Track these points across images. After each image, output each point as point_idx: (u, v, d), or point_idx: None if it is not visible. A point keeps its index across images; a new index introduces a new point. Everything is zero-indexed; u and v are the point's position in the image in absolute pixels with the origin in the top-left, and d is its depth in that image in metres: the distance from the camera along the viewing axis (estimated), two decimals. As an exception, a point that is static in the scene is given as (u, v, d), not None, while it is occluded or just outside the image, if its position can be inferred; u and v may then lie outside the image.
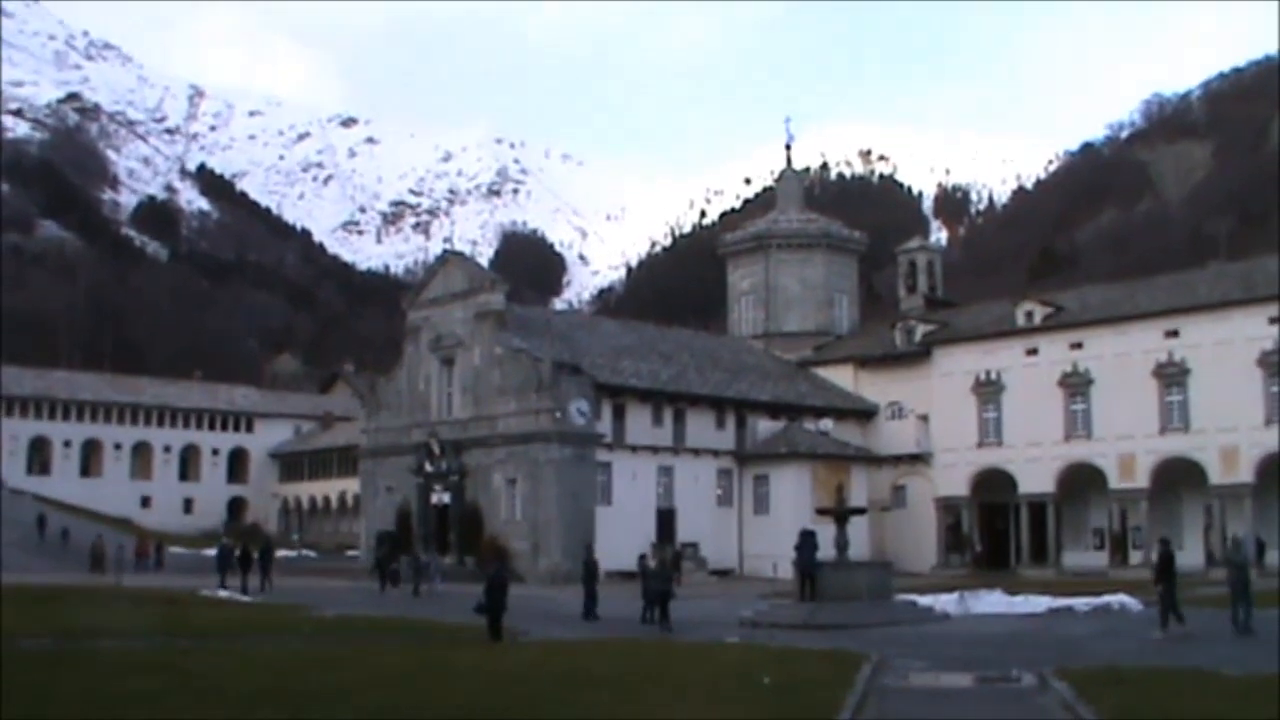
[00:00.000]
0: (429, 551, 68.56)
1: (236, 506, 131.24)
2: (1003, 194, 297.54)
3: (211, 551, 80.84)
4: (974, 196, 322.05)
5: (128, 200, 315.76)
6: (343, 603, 47.35)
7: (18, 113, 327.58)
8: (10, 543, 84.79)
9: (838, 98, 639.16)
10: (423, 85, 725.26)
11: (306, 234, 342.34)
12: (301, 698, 19.09)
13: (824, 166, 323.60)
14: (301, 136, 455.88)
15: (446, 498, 76.41)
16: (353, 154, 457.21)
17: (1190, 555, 71.07)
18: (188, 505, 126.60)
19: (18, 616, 34.55)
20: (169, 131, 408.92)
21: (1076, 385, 77.15)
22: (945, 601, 42.90)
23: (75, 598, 45.39)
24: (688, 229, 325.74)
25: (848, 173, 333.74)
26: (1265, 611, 34.15)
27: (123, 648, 27.36)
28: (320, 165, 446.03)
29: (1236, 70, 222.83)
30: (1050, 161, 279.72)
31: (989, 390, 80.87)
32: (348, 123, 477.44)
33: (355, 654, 26.85)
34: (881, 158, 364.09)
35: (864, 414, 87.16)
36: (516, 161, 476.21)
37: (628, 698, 19.57)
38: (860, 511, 49.80)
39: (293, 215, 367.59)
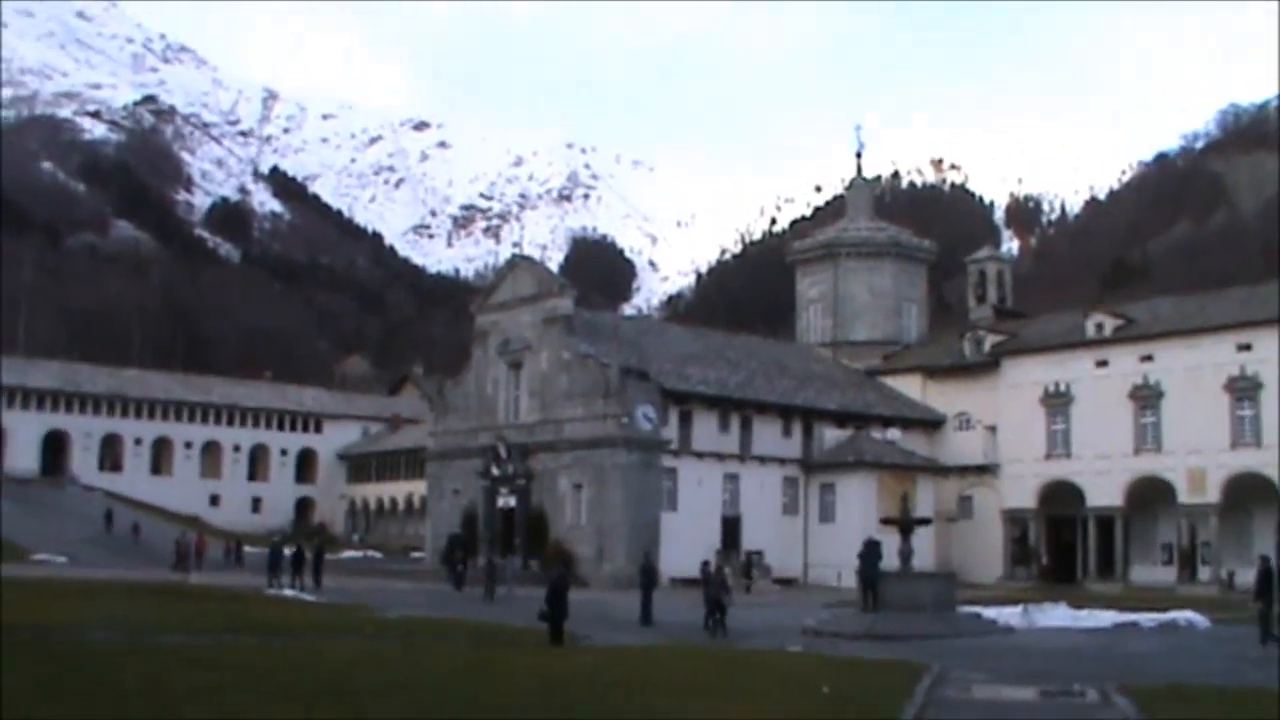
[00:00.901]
0: (506, 555, 68.65)
1: (304, 506, 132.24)
2: (1075, 204, 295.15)
3: (290, 551, 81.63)
4: (1046, 206, 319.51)
5: (201, 202, 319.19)
6: (406, 604, 47.53)
7: (95, 114, 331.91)
8: (80, 539, 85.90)
9: (910, 104, 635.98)
10: (494, 89, 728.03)
11: (377, 237, 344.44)
12: (360, 696, 19.20)
13: (895, 175, 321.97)
14: (373, 140, 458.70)
15: (512, 501, 76.60)
16: (424, 157, 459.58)
17: (1260, 572, 70.32)
18: (256, 504, 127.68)
19: (82, 610, 34.97)
20: (243, 134, 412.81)
21: (1146, 398, 76.52)
22: (1009, 614, 42.63)
23: (144, 594, 45.78)
24: (757, 236, 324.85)
25: (919, 181, 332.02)
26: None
27: (188, 643, 27.58)
28: (392, 168, 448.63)
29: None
30: (1123, 172, 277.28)
31: (1057, 402, 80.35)
32: (419, 126, 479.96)
33: (415, 654, 26.95)
34: (953, 166, 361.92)
35: (931, 424, 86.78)
36: (587, 167, 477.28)
37: (684, 703, 19.57)
38: (925, 522, 49.58)
39: (364, 218, 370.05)
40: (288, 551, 61.75)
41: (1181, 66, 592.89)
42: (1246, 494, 72.57)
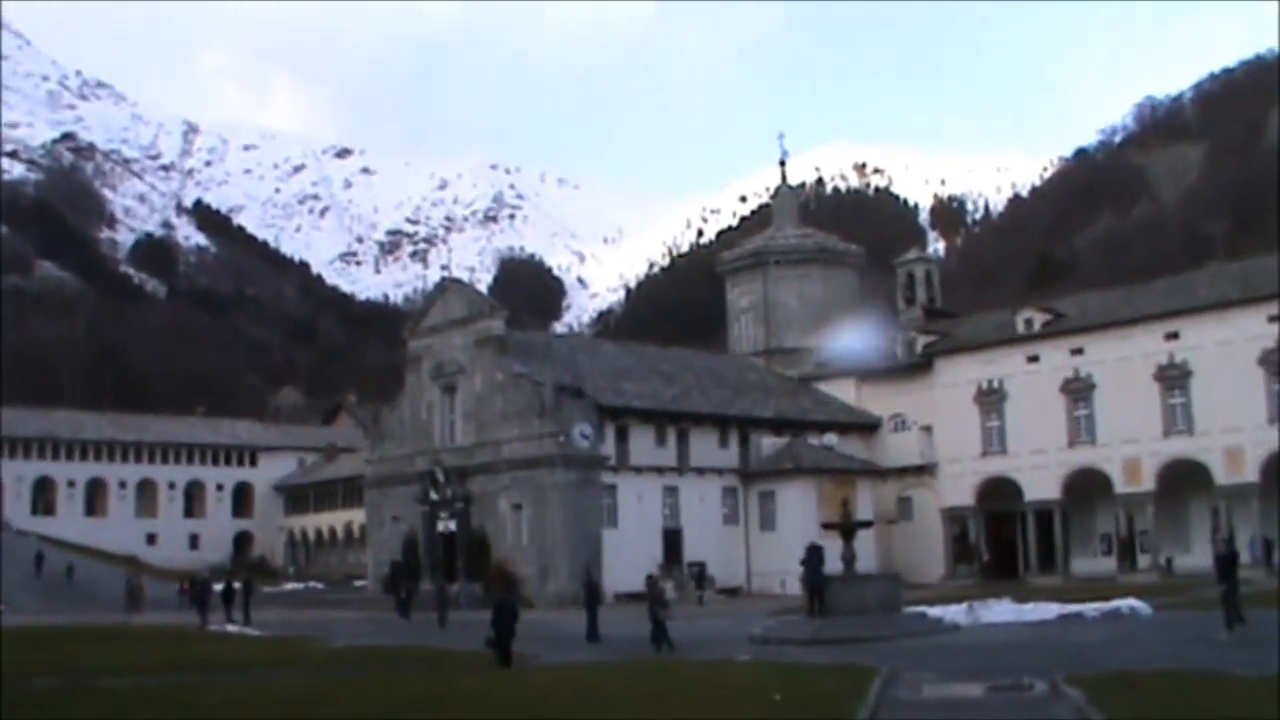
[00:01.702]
0: (452, 580, 68.22)
1: (242, 541, 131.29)
2: (999, 203, 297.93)
3: (219, 586, 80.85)
4: (970, 206, 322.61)
5: (125, 238, 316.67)
6: (351, 633, 47.24)
7: (13, 154, 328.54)
8: (10, 582, 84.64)
9: (831, 117, 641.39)
10: (416, 114, 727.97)
11: (305, 266, 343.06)
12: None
13: (819, 182, 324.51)
14: (297, 169, 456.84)
15: (453, 525, 76.25)
16: (348, 185, 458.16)
17: (1198, 558, 70.94)
18: (194, 541, 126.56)
19: (21, 657, 34.49)
20: (164, 168, 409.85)
21: (1079, 391, 77.10)
22: (955, 612, 42.76)
23: (79, 637, 45.25)
24: (685, 249, 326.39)
25: (843, 187, 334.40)
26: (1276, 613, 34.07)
27: (131, 685, 27.26)
28: (316, 197, 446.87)
29: (1227, 71, 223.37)
30: (1045, 169, 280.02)
31: (991, 399, 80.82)
32: (342, 154, 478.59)
33: (364, 684, 26.74)
34: (876, 171, 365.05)
35: (867, 427, 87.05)
36: (512, 187, 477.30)
37: (638, 716, 19.49)
38: (866, 525, 49.70)
39: (290, 248, 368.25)
40: (217, 587, 61.41)
41: (1098, 63, 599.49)
42: (1181, 481, 73.19)
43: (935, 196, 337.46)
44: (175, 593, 77.94)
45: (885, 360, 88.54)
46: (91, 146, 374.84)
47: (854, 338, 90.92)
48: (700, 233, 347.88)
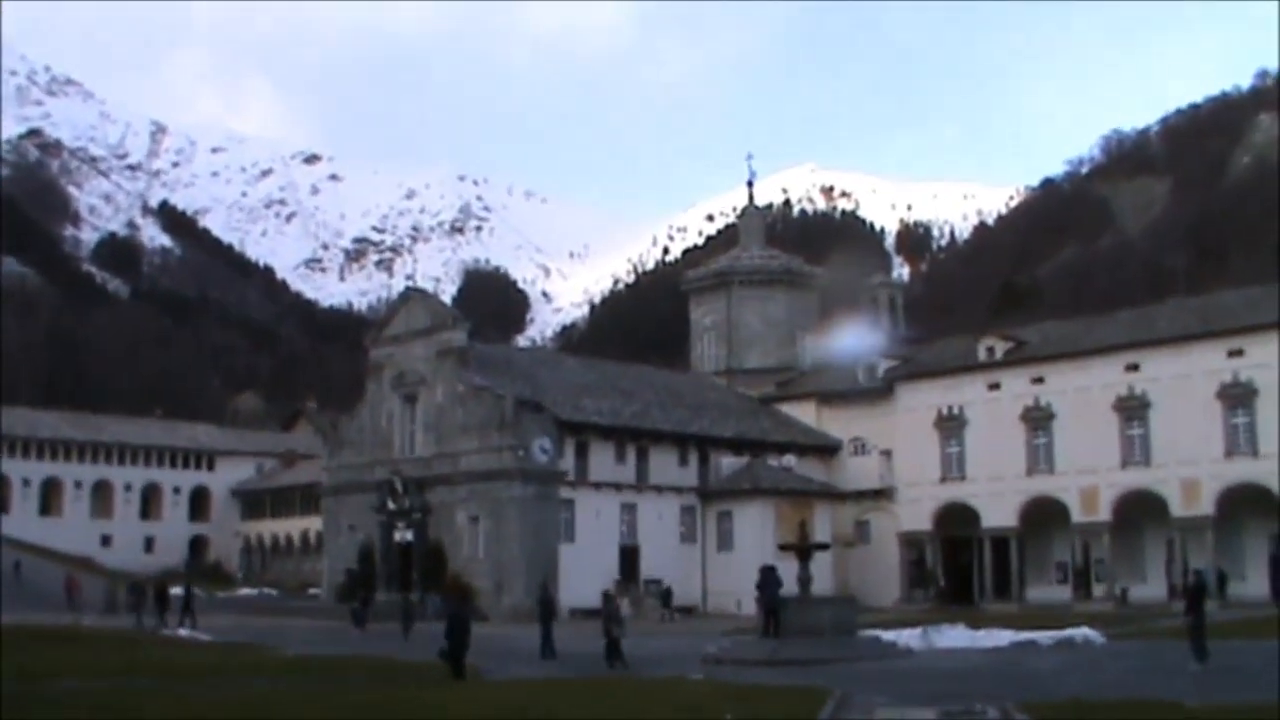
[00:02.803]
0: (413, 590, 67.91)
1: (198, 545, 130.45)
2: (964, 230, 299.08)
3: (176, 590, 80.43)
4: (936, 233, 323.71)
5: (89, 237, 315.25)
6: (304, 641, 47.00)
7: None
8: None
9: (800, 140, 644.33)
10: (386, 123, 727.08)
11: (269, 271, 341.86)
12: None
13: (786, 203, 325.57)
14: (264, 173, 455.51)
15: (409, 535, 76.07)
16: (315, 191, 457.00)
17: (1153, 588, 71.58)
18: (149, 544, 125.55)
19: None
20: (131, 168, 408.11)
21: (1038, 419, 77.37)
22: (909, 636, 42.78)
23: (30, 638, 44.89)
24: (650, 266, 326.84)
25: (809, 210, 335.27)
26: (1230, 643, 34.19)
27: (82, 689, 27.05)
28: (283, 202, 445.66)
29: (1194, 106, 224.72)
30: (1011, 198, 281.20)
31: (951, 425, 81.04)
32: (311, 159, 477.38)
33: (317, 695, 26.59)
34: (844, 194, 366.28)
35: (827, 450, 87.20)
36: (479, 199, 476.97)
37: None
38: (823, 547, 49.77)
39: (255, 252, 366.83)
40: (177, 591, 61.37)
41: (1066, 96, 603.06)
42: (1137, 511, 73.54)
43: (901, 222, 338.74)
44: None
45: (846, 383, 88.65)
46: (58, 143, 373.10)
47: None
48: (666, 250, 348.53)
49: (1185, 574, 65.67)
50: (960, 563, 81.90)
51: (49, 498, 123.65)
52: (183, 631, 53.67)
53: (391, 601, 64.35)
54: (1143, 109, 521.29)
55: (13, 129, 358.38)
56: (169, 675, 30.97)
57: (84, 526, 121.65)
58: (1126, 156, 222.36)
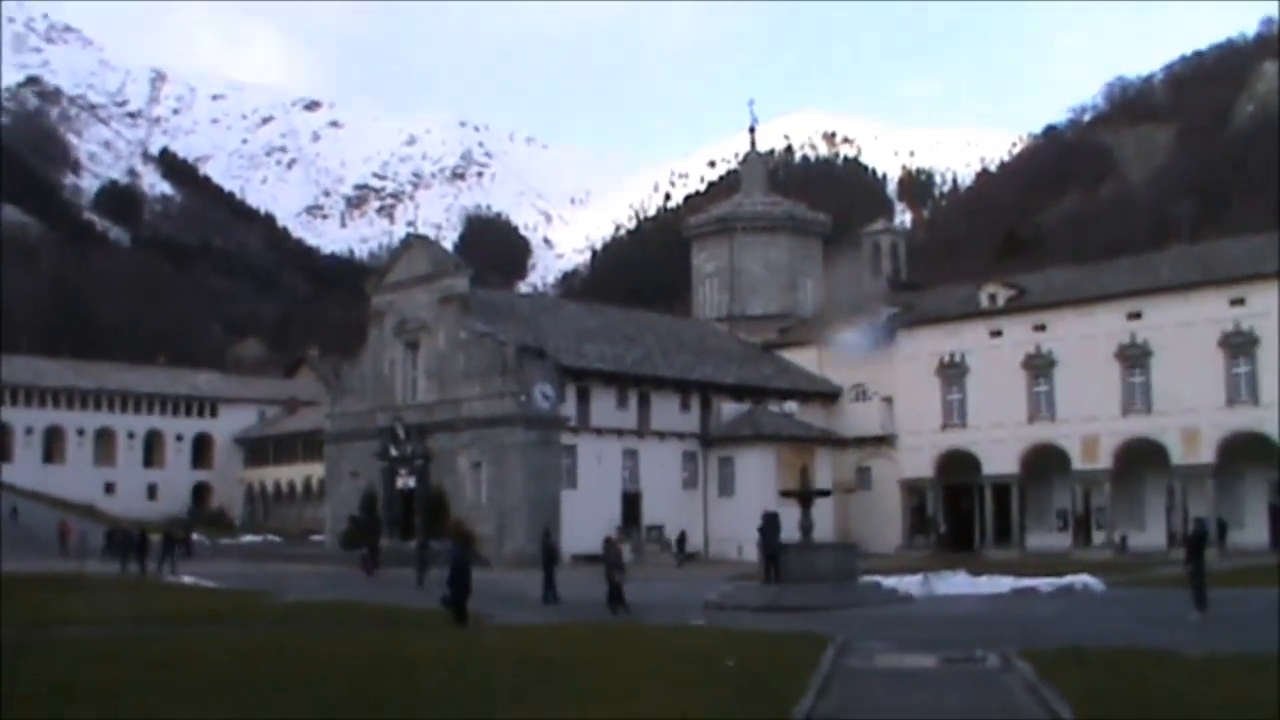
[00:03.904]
0: (428, 537, 67.65)
1: (201, 492, 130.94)
2: (966, 177, 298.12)
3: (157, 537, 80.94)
4: (938, 180, 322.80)
5: (89, 185, 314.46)
6: (307, 589, 47.15)
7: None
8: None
9: (803, 88, 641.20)
10: (386, 68, 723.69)
11: (270, 218, 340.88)
12: (262, 688, 18.96)
13: (788, 150, 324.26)
14: (265, 120, 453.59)
15: (411, 482, 76.28)
16: (316, 138, 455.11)
17: (1153, 535, 71.84)
18: (152, 491, 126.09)
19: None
20: (131, 115, 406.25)
21: (1040, 367, 77.42)
22: (909, 583, 42.95)
23: (32, 585, 45.07)
24: (652, 212, 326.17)
25: (812, 156, 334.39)
26: (1229, 591, 34.30)
27: (84, 636, 27.15)
28: (284, 149, 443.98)
29: (1198, 53, 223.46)
30: (1014, 145, 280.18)
31: (953, 372, 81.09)
32: (311, 106, 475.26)
33: (318, 641, 26.67)
34: (846, 140, 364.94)
35: (828, 396, 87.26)
36: (481, 145, 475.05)
37: (590, 679, 19.53)
38: (825, 493, 49.90)
39: (256, 200, 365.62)
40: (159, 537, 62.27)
41: (1070, 42, 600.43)
42: (1138, 459, 73.68)
43: (904, 169, 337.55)
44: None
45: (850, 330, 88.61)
46: (57, 91, 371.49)
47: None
48: (668, 197, 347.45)
49: (1185, 522, 66.12)
50: (961, 510, 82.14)
51: (52, 446, 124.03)
52: (186, 578, 53.87)
53: (398, 547, 64.49)
54: (1147, 56, 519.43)
55: (11, 77, 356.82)
56: (170, 622, 31.08)
57: (87, 474, 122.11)
58: (1130, 104, 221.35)
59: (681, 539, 72.08)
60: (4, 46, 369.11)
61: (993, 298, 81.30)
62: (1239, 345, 69.89)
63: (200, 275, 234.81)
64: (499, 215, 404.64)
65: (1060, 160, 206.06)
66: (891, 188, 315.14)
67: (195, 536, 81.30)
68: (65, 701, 17.57)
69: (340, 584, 51.41)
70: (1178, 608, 32.00)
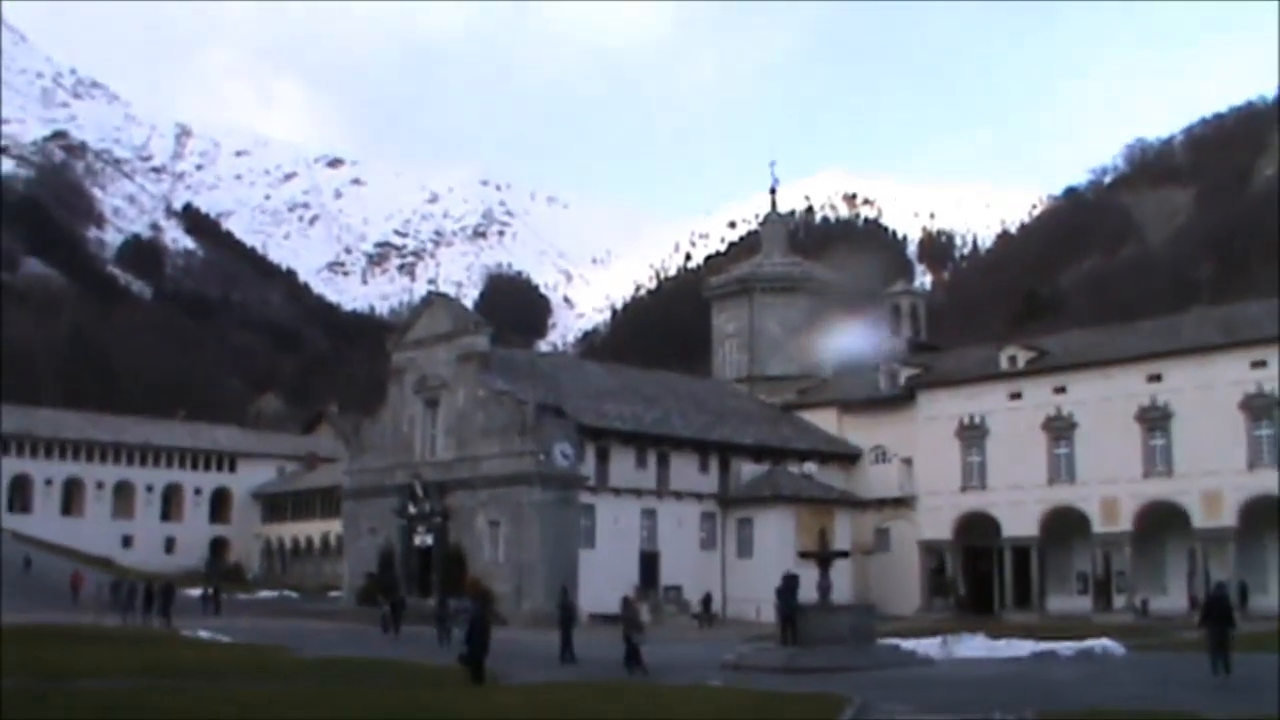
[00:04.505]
0: (444, 596, 67.35)
1: (219, 546, 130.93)
2: (987, 239, 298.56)
3: (194, 592, 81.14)
4: (958, 241, 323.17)
5: (113, 238, 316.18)
6: (325, 644, 47.08)
7: (4, 150, 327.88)
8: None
9: (824, 146, 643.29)
10: (409, 127, 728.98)
11: (292, 274, 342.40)
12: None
13: (809, 210, 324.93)
14: (288, 176, 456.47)
15: (429, 539, 76.13)
16: (339, 194, 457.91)
17: (1174, 599, 71.27)
18: (169, 545, 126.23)
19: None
20: (155, 170, 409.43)
21: (1060, 429, 77.17)
22: (928, 645, 42.73)
23: (47, 637, 45.05)
24: (673, 272, 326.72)
25: (832, 217, 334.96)
26: (1250, 656, 34.05)
27: (101, 688, 27.12)
28: (306, 205, 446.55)
29: (1218, 116, 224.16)
30: (1034, 206, 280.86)
31: (973, 434, 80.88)
32: (334, 163, 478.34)
33: (336, 697, 26.63)
34: (866, 202, 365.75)
35: (848, 457, 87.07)
36: (502, 204, 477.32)
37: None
38: (843, 555, 49.67)
39: (278, 255, 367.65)
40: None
41: (1091, 104, 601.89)
42: (1159, 523, 73.26)
43: (924, 230, 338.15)
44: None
45: (868, 391, 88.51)
46: (83, 145, 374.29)
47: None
48: (688, 257, 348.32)
49: (1208, 585, 65.74)
50: (980, 572, 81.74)
51: (71, 498, 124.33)
52: (202, 632, 53.83)
53: (415, 605, 64.28)
54: (1167, 118, 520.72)
55: (38, 131, 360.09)
56: (187, 675, 31.02)
57: (105, 527, 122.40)
58: (1150, 166, 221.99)
59: (707, 600, 71.92)
60: (31, 101, 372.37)
61: (1013, 359, 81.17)
62: (1261, 407, 69.57)
63: (221, 330, 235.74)
64: (520, 274, 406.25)
65: (1080, 221, 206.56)
66: (912, 249, 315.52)
67: (216, 593, 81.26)
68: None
69: (359, 641, 51.33)
70: (1198, 672, 31.79)
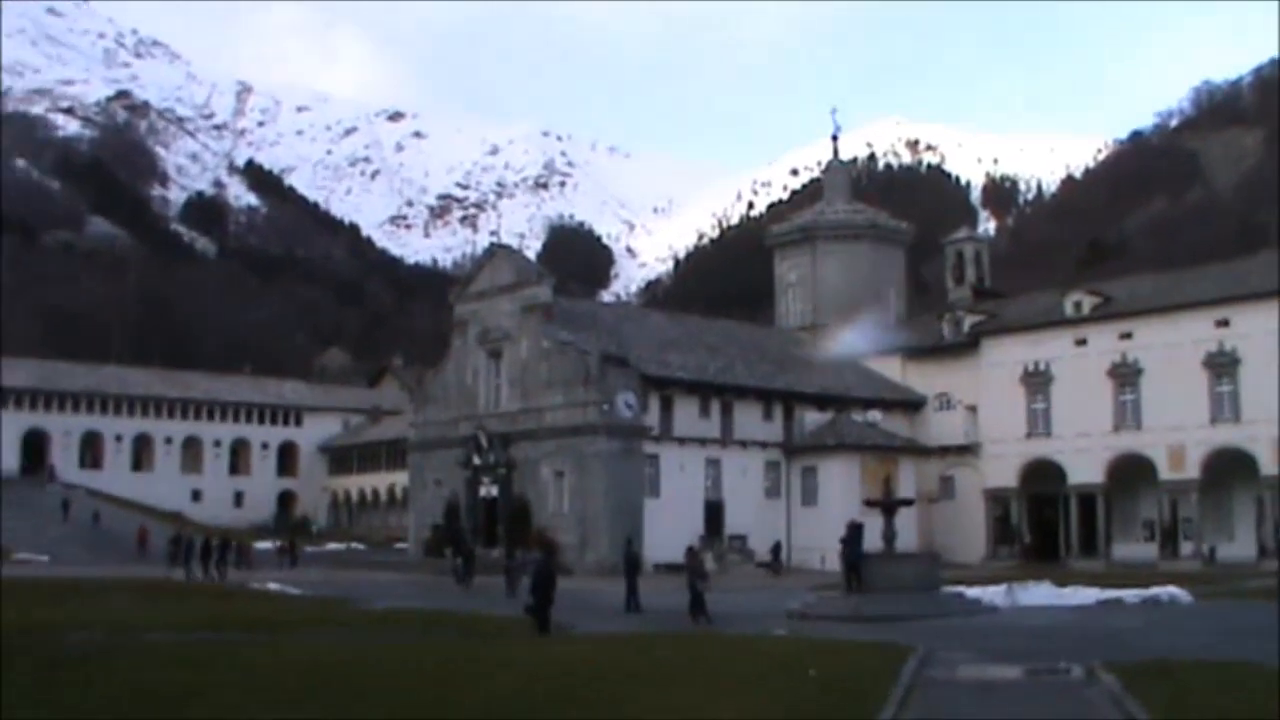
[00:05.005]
0: (511, 546, 67.64)
1: (286, 500, 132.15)
2: (1051, 184, 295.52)
3: (264, 545, 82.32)
4: (1022, 187, 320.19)
5: (176, 196, 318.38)
6: (391, 595, 47.50)
7: (68, 110, 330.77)
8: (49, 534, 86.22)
9: (886, 94, 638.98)
10: (469, 79, 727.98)
11: (354, 228, 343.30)
12: (348, 693, 19.15)
13: (871, 158, 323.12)
14: (349, 131, 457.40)
15: (494, 491, 76.64)
16: (400, 148, 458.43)
17: (1242, 546, 70.87)
18: (238, 499, 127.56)
19: (59, 610, 34.87)
20: (217, 128, 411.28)
21: (1125, 375, 76.70)
22: (993, 594, 42.63)
23: (120, 589, 45.67)
24: (735, 221, 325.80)
25: (895, 163, 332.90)
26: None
27: (173, 640, 27.49)
28: (367, 160, 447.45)
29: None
30: (1099, 151, 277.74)
31: (1037, 381, 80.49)
32: (394, 117, 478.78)
33: (402, 649, 26.86)
34: (929, 148, 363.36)
35: (912, 405, 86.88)
36: (563, 154, 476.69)
37: (672, 688, 19.56)
38: (908, 503, 49.56)
39: (340, 210, 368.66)
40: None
41: (1157, 46, 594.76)
42: (1226, 470, 72.78)
43: (987, 176, 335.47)
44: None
45: (932, 339, 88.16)
46: (145, 104, 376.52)
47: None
48: (750, 205, 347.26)
49: (1277, 533, 65.36)
50: (1045, 520, 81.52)
51: (140, 454, 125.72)
52: (271, 585, 54.40)
53: (481, 556, 64.67)
54: (1235, 60, 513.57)
55: (101, 91, 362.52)
56: (259, 629, 31.37)
57: (175, 482, 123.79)
58: (1217, 108, 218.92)
59: (776, 549, 72.08)
60: (93, 62, 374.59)
61: (1077, 306, 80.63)
62: (1329, 353, 68.84)
63: (285, 285, 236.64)
64: (582, 225, 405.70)
65: (1146, 166, 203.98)
66: (975, 195, 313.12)
67: (292, 545, 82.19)
68: (152, 705, 17.83)
69: (428, 592, 51.68)
70: (1266, 620, 31.59)
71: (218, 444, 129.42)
